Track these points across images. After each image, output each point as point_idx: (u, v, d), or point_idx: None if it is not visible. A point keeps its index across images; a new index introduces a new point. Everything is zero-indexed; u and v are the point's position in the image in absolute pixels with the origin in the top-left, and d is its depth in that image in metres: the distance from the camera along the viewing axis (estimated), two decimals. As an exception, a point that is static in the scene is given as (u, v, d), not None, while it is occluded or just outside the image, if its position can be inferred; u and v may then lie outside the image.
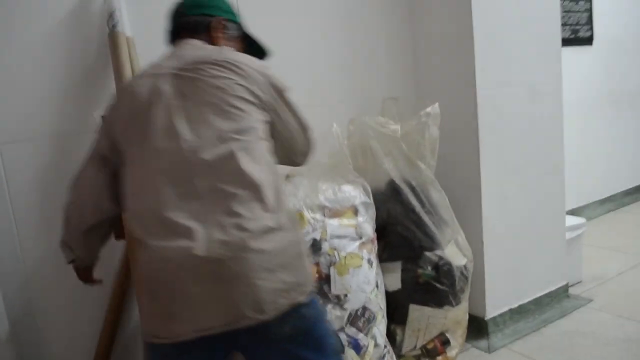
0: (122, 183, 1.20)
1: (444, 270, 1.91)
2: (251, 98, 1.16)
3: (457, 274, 1.93)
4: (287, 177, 1.91)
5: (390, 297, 1.90)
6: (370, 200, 1.85)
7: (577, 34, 3.77)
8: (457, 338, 2.02)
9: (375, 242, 1.85)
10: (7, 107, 1.64)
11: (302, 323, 1.07)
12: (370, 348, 1.72)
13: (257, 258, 1.00)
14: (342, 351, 1.17)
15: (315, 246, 1.70)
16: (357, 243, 1.76)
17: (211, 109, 1.12)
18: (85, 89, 1.76)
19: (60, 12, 1.71)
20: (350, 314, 1.70)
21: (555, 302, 2.52)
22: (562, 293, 2.57)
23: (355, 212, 1.80)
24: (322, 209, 1.76)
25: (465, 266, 1.97)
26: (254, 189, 1.05)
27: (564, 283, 2.58)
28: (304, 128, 1.30)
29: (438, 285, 1.90)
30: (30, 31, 1.66)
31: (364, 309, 1.73)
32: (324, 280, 1.70)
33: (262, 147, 1.14)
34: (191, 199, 1.05)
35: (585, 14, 3.80)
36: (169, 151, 1.09)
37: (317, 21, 2.20)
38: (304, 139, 1.31)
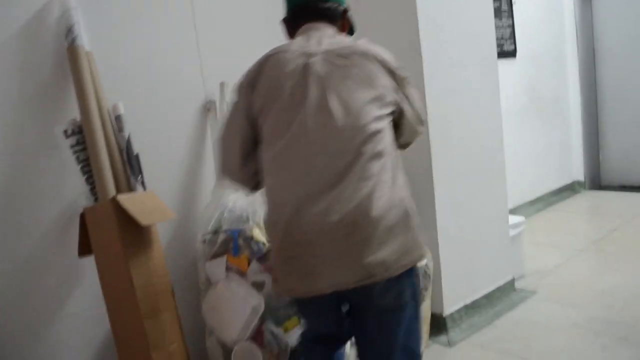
0: (262, 151, 1.29)
1: (408, 269, 2.00)
2: (387, 91, 1.30)
3: (421, 272, 2.02)
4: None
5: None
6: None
7: (503, 48, 4.06)
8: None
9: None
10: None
11: (401, 287, 1.24)
12: (348, 348, 1.77)
13: (382, 225, 1.16)
14: (418, 318, 1.36)
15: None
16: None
17: (360, 95, 1.24)
18: (41, 104, 1.70)
19: (13, 27, 1.64)
20: (325, 317, 1.74)
21: (504, 295, 2.69)
22: (509, 287, 2.74)
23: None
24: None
25: (427, 265, 2.07)
26: (383, 167, 1.21)
27: (510, 277, 2.76)
28: (418, 100, 1.44)
29: (404, 284, 1.98)
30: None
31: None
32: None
33: (390, 133, 1.29)
34: (332, 171, 1.18)
35: (509, 29, 4.11)
36: (320, 126, 1.21)
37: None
38: (420, 108, 1.45)
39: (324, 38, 1.34)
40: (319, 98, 1.22)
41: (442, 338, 2.35)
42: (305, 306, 1.38)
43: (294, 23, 1.43)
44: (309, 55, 1.28)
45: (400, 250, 1.18)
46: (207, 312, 1.74)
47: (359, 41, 1.36)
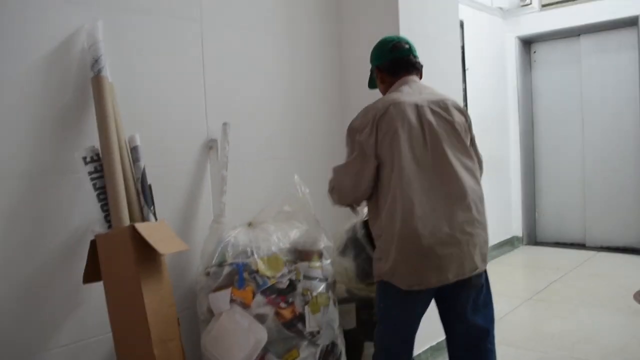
0: (388, 185, 1.64)
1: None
2: (467, 134, 1.75)
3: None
4: (250, 224, 2.02)
5: (345, 335, 2.06)
6: (332, 244, 2.04)
7: (456, 110, 4.43)
8: (400, 372, 2.22)
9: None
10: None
11: (483, 280, 1.75)
12: None
13: (476, 239, 1.66)
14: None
15: (291, 286, 1.83)
16: (324, 284, 1.91)
17: (458, 145, 1.68)
18: (59, 130, 1.74)
19: (41, 51, 1.70)
20: (321, 350, 1.84)
21: (463, 339, 2.86)
22: (468, 331, 2.92)
23: (320, 255, 1.96)
24: (294, 252, 1.90)
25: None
26: (478, 200, 1.71)
27: (469, 322, 2.95)
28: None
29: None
30: (5, 70, 1.63)
31: (333, 344, 1.88)
32: (297, 318, 1.82)
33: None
34: (447, 201, 1.63)
35: (462, 93, 4.50)
36: (439, 167, 1.64)
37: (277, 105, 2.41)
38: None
39: (422, 89, 1.73)
40: (438, 145, 1.64)
41: (412, 377, 2.47)
42: (414, 302, 1.71)
43: (393, 72, 1.76)
44: (419, 106, 1.66)
45: (481, 257, 1.70)
46: (209, 343, 1.77)
47: (445, 95, 1.76)
